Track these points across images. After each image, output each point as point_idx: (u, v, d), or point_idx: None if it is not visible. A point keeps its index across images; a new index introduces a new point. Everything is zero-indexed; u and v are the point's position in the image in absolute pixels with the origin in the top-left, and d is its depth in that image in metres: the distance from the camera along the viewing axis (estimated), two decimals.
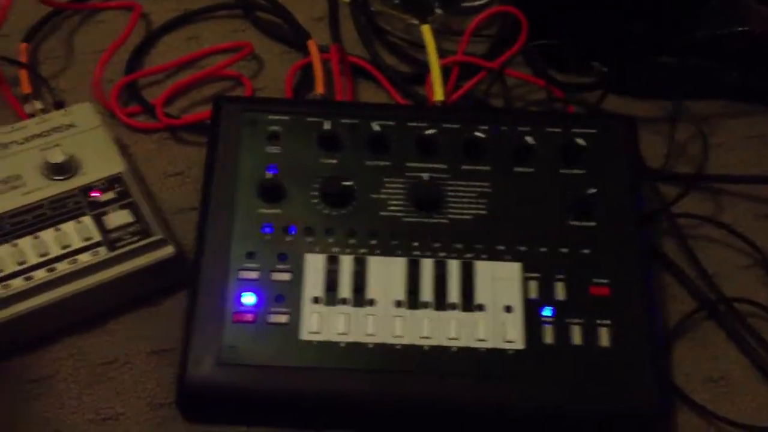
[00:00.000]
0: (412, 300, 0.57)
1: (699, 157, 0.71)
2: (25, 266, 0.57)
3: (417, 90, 0.76)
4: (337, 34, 0.80)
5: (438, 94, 0.70)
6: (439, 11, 0.80)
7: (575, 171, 0.63)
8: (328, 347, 0.55)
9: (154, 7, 0.81)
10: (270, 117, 0.63)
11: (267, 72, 0.77)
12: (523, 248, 0.60)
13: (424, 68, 0.74)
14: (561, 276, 0.59)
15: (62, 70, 0.76)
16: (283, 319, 0.56)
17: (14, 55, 0.74)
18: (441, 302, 0.57)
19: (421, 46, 0.74)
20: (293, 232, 0.59)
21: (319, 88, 0.70)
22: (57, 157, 0.61)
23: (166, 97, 0.72)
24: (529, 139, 0.63)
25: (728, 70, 0.75)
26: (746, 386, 0.63)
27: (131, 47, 0.77)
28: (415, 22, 0.79)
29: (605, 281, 0.59)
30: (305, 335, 0.56)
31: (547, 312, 0.58)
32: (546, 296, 0.58)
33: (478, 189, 0.62)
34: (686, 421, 0.61)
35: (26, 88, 0.71)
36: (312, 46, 0.74)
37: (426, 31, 0.74)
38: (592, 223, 0.61)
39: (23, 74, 0.72)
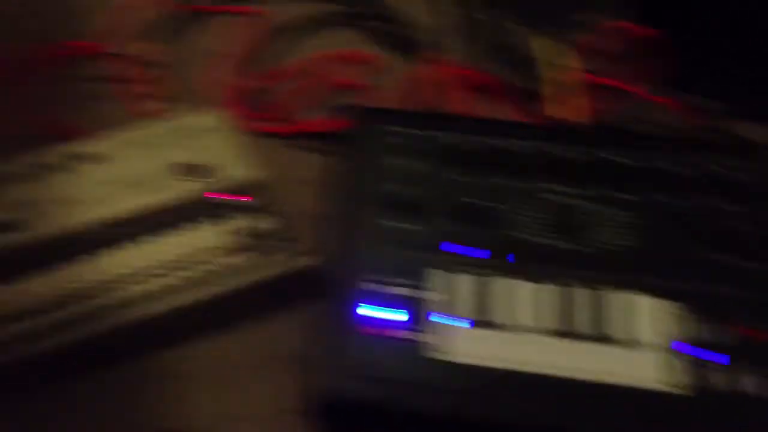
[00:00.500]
0: (563, 329, 0.55)
1: None
2: (167, 265, 0.57)
3: (537, 108, 0.75)
4: (464, 47, 0.79)
5: (557, 113, 0.69)
6: (576, 30, 0.79)
7: (724, 203, 0.60)
8: (466, 369, 0.54)
9: (276, 12, 0.81)
10: (409, 131, 0.62)
11: (390, 82, 0.76)
12: (669, 283, 0.57)
13: (561, 87, 0.73)
14: (716, 316, 0.56)
15: (183, 72, 0.75)
16: (422, 336, 0.55)
17: (148, 55, 0.75)
18: (595, 334, 0.55)
19: (554, 65, 0.73)
20: (435, 250, 0.58)
21: (450, 104, 0.70)
22: (190, 159, 0.61)
23: (295, 103, 0.72)
24: (680, 168, 0.61)
25: None
26: None
27: (257, 52, 0.77)
28: (534, 35, 0.78)
29: (760, 324, 0.55)
30: (444, 355, 0.54)
31: (694, 352, 0.55)
32: (699, 336, 0.55)
33: (624, 218, 0.60)
34: None
35: (148, 88, 0.71)
36: (436, 58, 0.74)
37: (539, 45, 0.72)
38: (749, 262, 0.58)
39: (156, 74, 0.72)
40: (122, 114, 0.71)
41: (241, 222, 0.59)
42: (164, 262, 0.57)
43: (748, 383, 0.54)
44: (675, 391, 0.53)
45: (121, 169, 0.61)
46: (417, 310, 0.56)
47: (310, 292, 0.60)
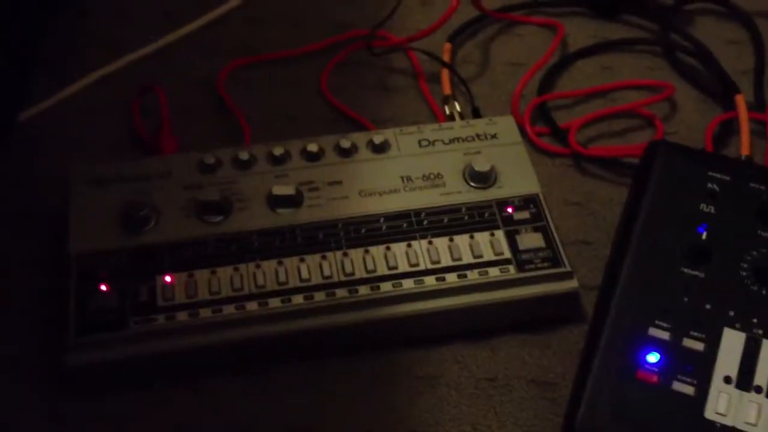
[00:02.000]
0: None
1: None
2: (437, 266, 0.58)
3: None
4: (762, 92, 0.75)
5: None
6: None
7: None
8: None
9: (573, 30, 0.80)
10: (710, 174, 0.59)
11: (681, 117, 0.74)
12: None
13: None
14: None
15: (477, 76, 0.76)
16: (688, 390, 0.53)
17: (437, 53, 0.76)
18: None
19: None
20: (714, 302, 0.55)
21: (744, 150, 0.66)
22: (482, 165, 0.61)
23: (580, 124, 0.71)
24: None
25: None
26: None
27: (546, 66, 0.76)
28: None
29: None
30: (710, 414, 0.52)
31: None
32: None
33: None
34: None
35: (447, 88, 0.72)
36: (740, 101, 0.70)
37: None
38: None
39: (445, 74, 0.74)
40: (418, 111, 0.73)
41: (519, 236, 0.59)
42: (437, 264, 0.58)
43: None
44: None
45: (412, 165, 0.63)
46: (700, 365, 0.53)
47: (569, 318, 0.60)
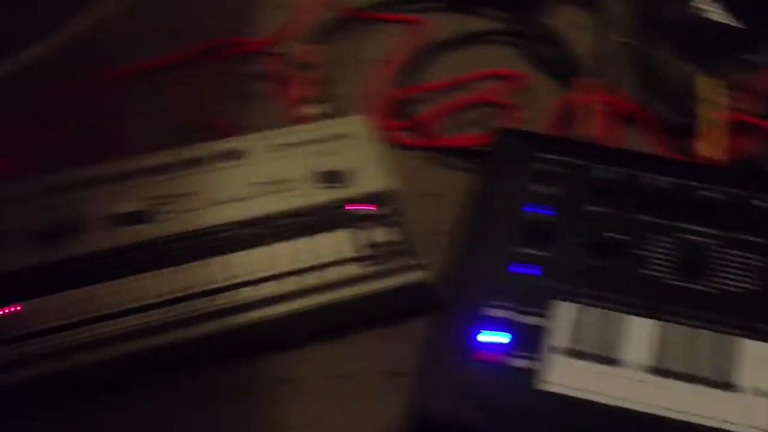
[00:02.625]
0: (662, 367, 0.55)
1: None
2: (279, 271, 0.59)
3: (687, 144, 0.72)
4: (604, 74, 0.77)
5: (709, 152, 0.67)
6: (724, 64, 0.76)
7: None
8: (567, 401, 0.54)
9: (434, 24, 0.82)
10: (548, 156, 0.62)
11: (534, 104, 0.76)
12: None
13: (696, 120, 0.70)
14: None
15: (338, 77, 0.78)
16: (525, 364, 0.55)
17: (308, 57, 0.78)
18: (692, 375, 0.54)
19: (698, 98, 0.71)
20: (549, 277, 0.58)
21: (585, 131, 0.69)
22: (331, 165, 0.63)
23: (436, 117, 0.73)
24: None
25: None
26: None
27: (412, 63, 0.79)
28: (694, 71, 0.76)
29: None
30: (546, 385, 0.55)
31: None
32: None
33: (752, 262, 0.58)
34: None
35: (303, 90, 0.74)
36: (579, 83, 0.73)
37: (701, 82, 0.70)
38: None
39: (302, 76, 0.75)
40: (277, 115, 0.74)
41: (365, 232, 0.61)
42: (286, 267, 0.59)
43: None
44: None
45: (262, 171, 0.64)
46: (535, 339, 0.56)
47: (424, 308, 0.62)
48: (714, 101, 0.71)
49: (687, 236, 0.59)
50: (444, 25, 0.83)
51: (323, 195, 0.62)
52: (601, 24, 0.82)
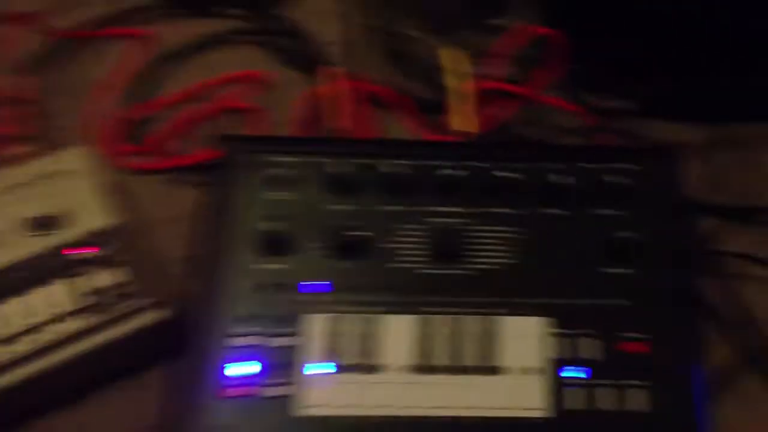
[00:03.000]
0: (426, 364, 0.52)
1: (747, 187, 0.63)
2: (11, 333, 0.52)
3: (442, 120, 0.70)
4: (352, 59, 0.74)
5: (461, 126, 0.64)
6: (467, 32, 0.74)
7: (612, 212, 0.56)
8: (332, 422, 0.50)
9: (168, 33, 0.76)
10: (275, 158, 0.57)
11: (286, 103, 0.71)
12: (551, 301, 0.53)
13: (464, 97, 0.68)
14: (594, 332, 0.52)
15: (57, 108, 0.70)
16: (282, 391, 0.51)
17: (17, 91, 0.70)
18: (458, 366, 0.52)
19: (458, 73, 0.68)
20: (297, 290, 0.53)
21: (334, 122, 0.65)
22: (42, 209, 0.57)
23: (170, 135, 0.67)
24: (561, 177, 0.57)
25: None
26: None
27: (141, 79, 0.72)
28: (439, 44, 0.73)
29: (644, 336, 0.52)
30: (307, 410, 0.50)
31: (577, 373, 0.51)
32: (576, 355, 0.52)
33: (505, 235, 0.56)
34: None
35: (12, 128, 0.66)
36: (323, 73, 0.69)
37: (444, 54, 0.68)
38: (630, 270, 0.54)
39: (12, 112, 0.67)
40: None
41: (86, 278, 0.54)
42: (8, 330, 0.52)
43: (608, 398, 0.50)
44: (533, 415, 0.50)
45: None
46: (288, 362, 0.51)
47: (169, 349, 0.56)
48: (458, 72, 0.69)
49: (435, 220, 0.56)
50: (180, 32, 0.77)
51: (35, 244, 0.55)
52: (347, 8, 0.78)
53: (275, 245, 0.54)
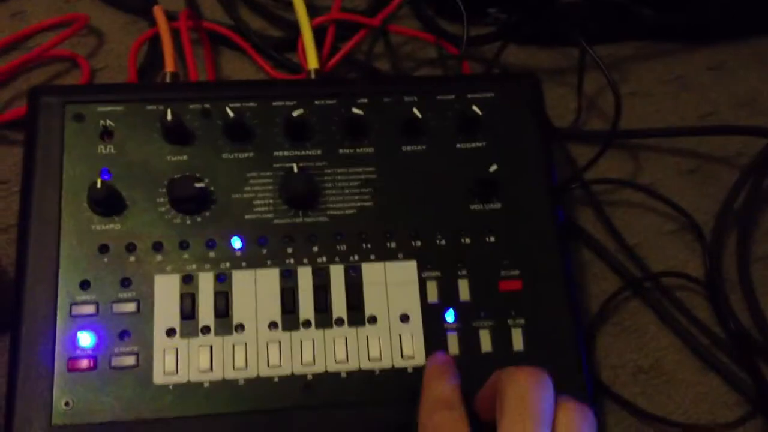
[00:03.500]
0: (289, 320, 0.48)
1: (612, 111, 0.62)
2: None
3: (290, 58, 0.65)
4: None
5: (311, 60, 0.60)
6: None
7: (474, 144, 0.54)
8: (189, 390, 0.46)
9: None
10: (100, 108, 0.51)
11: (109, 49, 0.65)
12: (417, 243, 0.50)
13: (296, 32, 0.63)
14: (464, 272, 0.50)
15: None
16: (130, 360, 0.46)
17: None
18: (324, 319, 0.48)
19: (290, 5, 0.63)
20: (137, 251, 0.48)
21: (169, 66, 0.59)
22: None
23: None
24: (416, 110, 0.53)
25: (640, 6, 0.67)
26: (681, 373, 0.55)
27: None
28: None
29: (516, 273, 0.50)
30: (160, 378, 0.46)
31: (449, 317, 0.49)
32: (448, 298, 0.49)
33: (362, 176, 0.52)
34: (617, 422, 0.53)
35: None
36: (158, 13, 0.62)
37: None
38: (497, 205, 0.52)
39: None
40: None
41: None
42: None
43: (484, 340, 0.49)
44: (408, 364, 0.48)
45: None
46: (137, 328, 0.46)
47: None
48: (304, 6, 0.63)
49: (284, 165, 0.51)
50: None
51: None
52: None
53: (108, 203, 0.48)
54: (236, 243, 0.49)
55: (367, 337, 0.48)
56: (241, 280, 0.48)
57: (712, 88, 0.68)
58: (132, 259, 0.48)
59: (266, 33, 0.67)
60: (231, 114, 0.50)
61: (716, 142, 0.65)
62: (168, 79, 0.57)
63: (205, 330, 0.47)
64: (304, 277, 0.49)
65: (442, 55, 0.65)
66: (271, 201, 0.50)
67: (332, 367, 0.47)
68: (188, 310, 0.47)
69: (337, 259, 0.49)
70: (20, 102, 0.61)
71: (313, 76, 0.59)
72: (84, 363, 0.45)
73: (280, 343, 0.47)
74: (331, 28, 0.65)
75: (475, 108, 0.53)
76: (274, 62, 0.65)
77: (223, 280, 0.48)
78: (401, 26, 0.67)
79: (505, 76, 0.60)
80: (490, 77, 0.60)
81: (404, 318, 0.49)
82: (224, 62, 0.65)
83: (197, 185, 0.49)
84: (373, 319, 0.48)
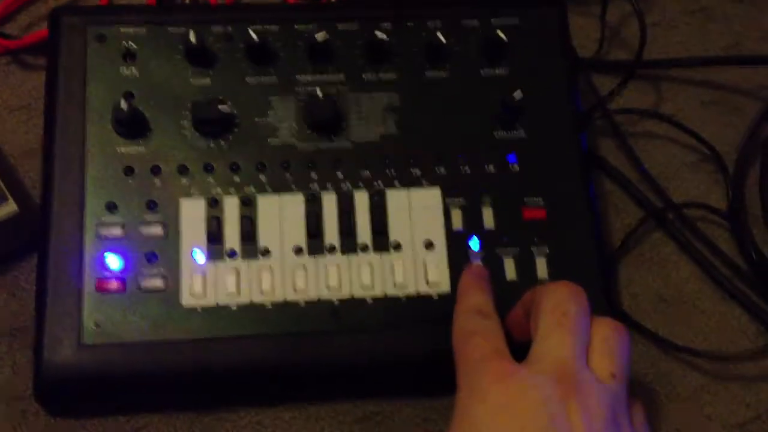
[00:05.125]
0: (315, 245, 0.48)
1: (636, 41, 0.61)
2: None
3: None
4: None
5: None
6: None
7: (498, 71, 0.53)
8: (216, 313, 0.46)
9: None
10: (123, 29, 0.50)
11: None
12: (441, 170, 0.50)
13: None
14: (488, 199, 0.50)
15: None
16: (158, 283, 0.46)
17: None
18: (349, 244, 0.48)
19: None
20: (162, 173, 0.48)
21: None
22: None
23: (1, 14, 0.59)
24: (441, 35, 0.52)
25: None
26: (703, 303, 0.55)
27: None
28: None
29: (540, 201, 0.50)
30: (187, 300, 0.46)
31: (474, 244, 0.49)
32: (472, 225, 0.49)
33: (385, 102, 0.51)
34: (640, 353, 0.53)
35: None
36: None
37: None
38: (521, 133, 0.52)
39: None
40: None
41: None
42: None
43: (508, 268, 0.49)
44: (432, 291, 0.48)
45: None
46: (166, 250, 0.46)
47: (24, 246, 0.50)
48: None
49: (307, 89, 0.51)
50: None
51: None
52: None
53: (133, 126, 0.48)
54: (260, 168, 0.48)
55: (392, 262, 0.48)
56: (266, 204, 0.48)
57: (736, 20, 0.67)
58: (157, 181, 0.48)
59: None
60: (254, 37, 0.50)
61: (740, 74, 0.64)
62: (187, 2, 0.56)
63: (231, 253, 0.47)
64: (329, 202, 0.49)
65: None
66: (294, 125, 0.50)
67: (358, 293, 0.47)
68: (214, 234, 0.47)
69: (361, 184, 0.49)
70: (38, 26, 0.60)
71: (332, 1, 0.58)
72: (113, 284, 0.45)
73: (305, 267, 0.47)
74: None
75: (500, 33, 0.52)
76: None
77: (247, 203, 0.48)
78: None
79: (530, 1, 0.59)
80: (515, 3, 0.59)
81: (429, 245, 0.49)
82: None
83: (221, 108, 0.48)
84: (397, 246, 0.48)
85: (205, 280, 0.46)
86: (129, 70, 0.50)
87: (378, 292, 0.47)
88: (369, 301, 0.47)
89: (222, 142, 0.49)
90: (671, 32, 0.66)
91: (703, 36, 0.65)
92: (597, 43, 0.64)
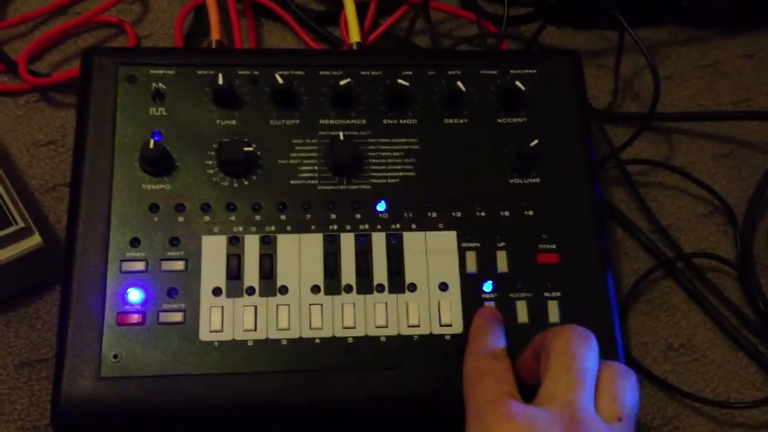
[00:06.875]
0: (331, 284, 0.49)
1: (648, 94, 0.63)
2: None
3: (331, 32, 0.66)
4: None
5: (353, 34, 0.60)
6: None
7: (514, 119, 0.54)
8: (233, 348, 0.47)
9: None
10: (152, 71, 0.52)
11: (155, 17, 0.66)
12: (457, 214, 0.51)
13: (337, 6, 0.64)
14: (502, 244, 0.51)
15: None
16: (177, 317, 0.47)
17: None
18: (365, 284, 0.49)
19: None
20: (186, 211, 0.49)
21: (215, 34, 0.60)
22: None
23: (31, 52, 0.61)
24: (460, 84, 0.53)
25: None
26: (711, 352, 0.56)
27: None
28: None
29: (553, 246, 0.51)
30: (205, 335, 0.47)
31: (487, 287, 0.50)
32: (486, 269, 0.50)
33: (405, 147, 0.53)
34: (647, 398, 0.54)
35: None
36: None
37: None
38: (536, 180, 0.53)
39: None
40: None
41: None
42: None
43: (520, 311, 0.50)
44: (445, 332, 0.49)
45: None
46: (186, 285, 0.48)
47: (47, 279, 0.51)
48: None
49: (329, 133, 0.52)
50: None
51: None
52: None
53: (159, 163, 0.49)
54: (281, 207, 0.50)
55: (407, 303, 0.49)
56: (285, 243, 0.49)
57: (747, 75, 0.68)
58: (181, 219, 0.49)
59: (308, 6, 0.68)
60: (280, 80, 0.51)
61: (750, 128, 0.65)
62: (214, 47, 0.58)
63: (250, 291, 0.48)
64: (347, 242, 0.50)
65: (482, 33, 0.66)
66: (315, 167, 0.51)
67: (372, 332, 0.48)
68: (234, 271, 0.48)
69: (379, 226, 0.50)
70: (68, 65, 0.62)
71: (355, 48, 0.60)
72: (133, 318, 0.46)
73: (322, 306, 0.48)
74: (374, 2, 0.66)
75: (518, 83, 0.54)
76: (315, 35, 0.66)
77: (267, 242, 0.49)
78: (442, 3, 0.67)
79: (547, 52, 0.61)
80: (532, 54, 0.61)
81: (443, 286, 0.50)
82: (266, 33, 0.66)
83: (246, 149, 0.50)
84: (412, 287, 0.49)
85: (224, 315, 0.47)
86: (158, 110, 0.51)
87: (392, 331, 0.48)
88: (383, 339, 0.48)
89: (245, 182, 0.50)
90: (683, 86, 0.67)
91: (714, 90, 0.67)
92: (611, 95, 0.65)
